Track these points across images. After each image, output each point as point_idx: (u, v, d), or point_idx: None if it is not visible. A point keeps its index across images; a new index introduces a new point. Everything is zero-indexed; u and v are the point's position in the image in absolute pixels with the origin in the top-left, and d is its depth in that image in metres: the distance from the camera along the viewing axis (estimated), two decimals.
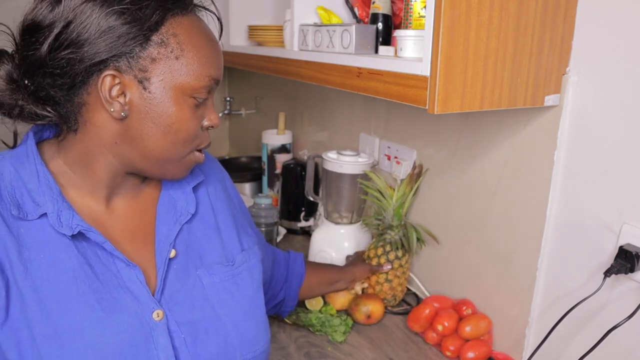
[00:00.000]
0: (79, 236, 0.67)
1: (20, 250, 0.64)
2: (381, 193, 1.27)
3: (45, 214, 0.66)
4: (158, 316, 0.68)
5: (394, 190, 1.26)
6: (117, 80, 0.64)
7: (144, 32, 0.63)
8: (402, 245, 1.25)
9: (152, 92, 0.65)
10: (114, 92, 0.65)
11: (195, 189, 0.81)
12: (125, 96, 0.65)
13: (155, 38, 0.64)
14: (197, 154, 0.74)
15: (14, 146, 0.73)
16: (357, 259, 1.28)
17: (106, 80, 0.64)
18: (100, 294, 0.66)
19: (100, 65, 0.64)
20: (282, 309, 1.13)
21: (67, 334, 0.63)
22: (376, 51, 1.04)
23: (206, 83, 0.68)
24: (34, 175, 0.68)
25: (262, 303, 0.82)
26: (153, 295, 0.70)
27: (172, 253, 0.74)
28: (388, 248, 1.25)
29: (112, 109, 0.65)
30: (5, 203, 0.66)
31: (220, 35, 0.78)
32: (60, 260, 0.65)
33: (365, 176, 1.36)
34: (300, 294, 1.13)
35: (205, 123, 0.72)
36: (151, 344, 0.67)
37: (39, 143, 0.73)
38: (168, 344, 0.68)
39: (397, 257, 1.25)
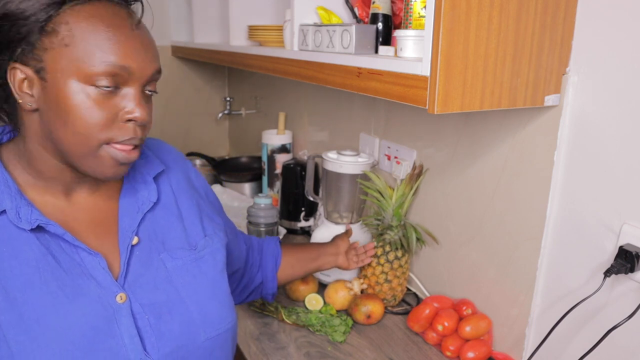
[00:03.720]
0: (40, 230, 0.70)
1: None
2: (381, 193, 1.27)
3: (4, 211, 0.69)
4: (121, 299, 0.71)
5: (393, 190, 1.26)
6: (23, 74, 0.66)
7: (39, 22, 0.64)
8: (402, 246, 1.24)
9: (49, 81, 0.65)
10: (25, 85, 0.67)
11: (156, 178, 0.83)
12: (32, 88, 0.67)
13: (48, 28, 0.64)
14: (116, 149, 0.68)
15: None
16: (338, 234, 1.28)
17: (13, 73, 0.66)
18: (64, 282, 0.69)
19: (4, 57, 0.66)
20: (264, 292, 1.14)
21: (32, 320, 0.66)
22: (376, 51, 1.04)
23: (102, 69, 0.64)
24: None
25: (226, 285, 0.84)
26: (116, 280, 0.73)
27: (135, 240, 0.76)
28: (388, 248, 1.25)
29: (21, 101, 0.67)
30: None
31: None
32: (22, 252, 0.68)
33: (365, 176, 1.36)
34: (282, 274, 1.15)
35: (125, 115, 0.68)
36: (114, 325, 0.70)
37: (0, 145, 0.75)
38: (131, 324, 0.71)
39: (396, 257, 1.25)
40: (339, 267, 1.24)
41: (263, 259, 1.13)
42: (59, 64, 0.64)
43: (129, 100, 0.68)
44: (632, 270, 0.84)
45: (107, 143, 0.68)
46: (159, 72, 0.71)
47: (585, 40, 0.89)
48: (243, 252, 1.06)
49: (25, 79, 0.66)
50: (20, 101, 0.67)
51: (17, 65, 0.66)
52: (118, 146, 0.68)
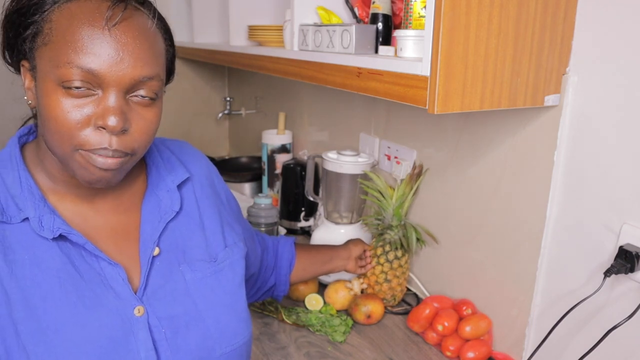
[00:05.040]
0: (62, 238, 0.69)
1: (5, 253, 0.66)
2: (381, 193, 1.27)
3: (27, 219, 0.68)
4: (139, 312, 0.71)
5: (394, 190, 1.26)
6: (25, 71, 0.68)
7: (27, 20, 0.65)
8: (402, 245, 1.25)
9: (37, 79, 0.65)
10: (26, 82, 0.68)
11: (180, 186, 0.82)
12: (31, 85, 0.68)
13: (34, 27, 0.65)
14: (85, 157, 0.64)
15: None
16: (352, 239, 1.29)
17: (22, 70, 0.68)
18: (83, 292, 0.68)
19: (19, 55, 0.68)
20: (275, 294, 1.14)
21: (51, 330, 0.65)
22: (376, 51, 1.04)
23: (68, 71, 0.61)
24: (17, 181, 0.69)
25: (244, 298, 0.83)
26: (136, 292, 0.72)
27: (156, 251, 0.75)
28: (388, 248, 1.25)
29: (25, 97, 0.68)
30: None
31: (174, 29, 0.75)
32: (43, 261, 0.67)
33: (365, 176, 1.36)
34: (294, 276, 1.14)
35: (97, 121, 0.63)
36: (131, 338, 0.69)
37: (24, 146, 0.75)
38: (148, 338, 0.70)
39: (396, 257, 1.25)
40: (347, 271, 1.25)
41: (278, 262, 1.12)
42: (40, 63, 0.64)
43: (102, 106, 0.63)
44: (632, 270, 0.84)
45: (81, 149, 0.64)
46: (150, 78, 0.65)
47: (586, 40, 0.89)
48: (258, 256, 1.05)
49: (27, 76, 0.67)
50: (25, 97, 0.68)
51: (24, 62, 0.67)
52: (88, 155, 0.64)
